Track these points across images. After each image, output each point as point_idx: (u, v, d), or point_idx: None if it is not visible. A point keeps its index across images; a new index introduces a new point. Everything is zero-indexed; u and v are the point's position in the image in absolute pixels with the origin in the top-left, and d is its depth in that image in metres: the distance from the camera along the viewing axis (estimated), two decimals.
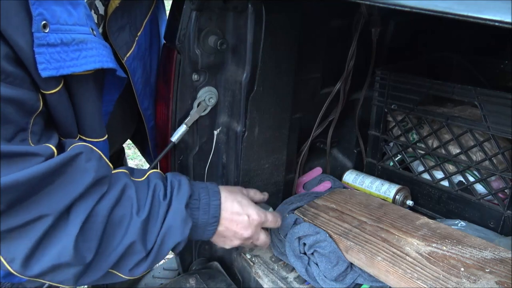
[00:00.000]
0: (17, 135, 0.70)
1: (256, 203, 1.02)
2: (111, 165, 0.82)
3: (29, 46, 0.68)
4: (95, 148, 0.79)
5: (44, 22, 0.68)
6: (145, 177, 0.88)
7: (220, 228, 0.93)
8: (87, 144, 0.78)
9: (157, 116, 1.14)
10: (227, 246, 0.98)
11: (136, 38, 0.98)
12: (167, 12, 1.09)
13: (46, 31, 0.69)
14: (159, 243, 0.83)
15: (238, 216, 0.94)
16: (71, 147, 0.76)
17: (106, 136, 0.92)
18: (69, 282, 0.74)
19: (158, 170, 0.92)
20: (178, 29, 1.01)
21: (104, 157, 0.80)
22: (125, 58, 0.96)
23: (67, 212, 0.72)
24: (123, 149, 1.49)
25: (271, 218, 1.00)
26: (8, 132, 0.68)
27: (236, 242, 0.97)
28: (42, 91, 0.73)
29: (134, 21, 0.97)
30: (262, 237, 1.00)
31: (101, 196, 0.76)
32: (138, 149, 1.47)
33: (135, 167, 3.28)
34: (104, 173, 0.78)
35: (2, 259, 0.69)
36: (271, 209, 1.07)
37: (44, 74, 0.69)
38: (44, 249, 0.70)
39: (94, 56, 0.78)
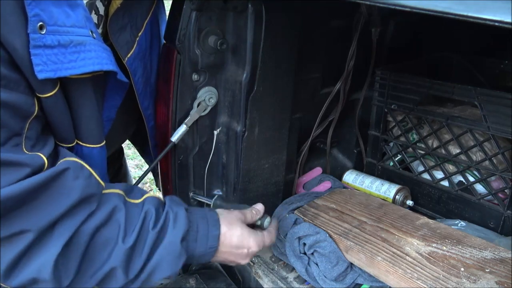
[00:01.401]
0: (11, 140, 0.68)
1: None
2: (102, 183, 0.79)
3: (25, 48, 0.66)
4: (85, 165, 0.76)
5: (40, 23, 0.67)
6: (141, 200, 0.85)
7: (217, 258, 0.91)
8: (77, 160, 0.76)
9: (157, 116, 1.14)
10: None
11: (137, 39, 0.98)
12: (167, 13, 1.09)
13: (43, 32, 0.68)
14: (147, 274, 0.80)
15: (237, 249, 0.91)
16: (60, 161, 0.74)
17: (104, 142, 0.90)
18: None
19: (156, 196, 0.88)
20: (178, 29, 1.01)
21: (95, 175, 0.78)
22: (126, 59, 0.96)
23: (52, 229, 0.70)
24: (122, 149, 1.49)
25: (268, 241, 0.97)
26: (1, 136, 0.67)
27: (232, 264, 0.95)
28: (38, 95, 0.72)
29: (135, 21, 0.97)
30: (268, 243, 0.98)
31: (88, 215, 0.74)
32: (137, 149, 1.47)
33: (135, 167, 3.25)
34: (92, 191, 0.75)
35: None
36: (268, 218, 1.02)
37: (40, 76, 0.68)
38: (25, 262, 0.69)
39: (93, 58, 0.77)
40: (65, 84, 0.77)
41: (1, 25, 0.64)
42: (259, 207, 1.00)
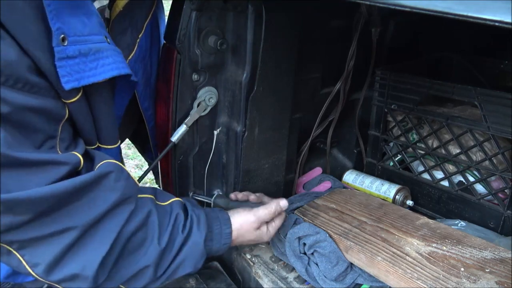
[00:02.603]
0: (46, 143, 0.71)
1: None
2: (137, 183, 0.85)
3: (49, 59, 0.68)
4: (124, 167, 0.81)
5: (62, 35, 0.69)
6: (168, 202, 0.91)
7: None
8: (118, 162, 0.80)
9: (157, 116, 1.14)
10: None
11: (137, 41, 0.99)
12: (167, 13, 1.09)
13: (65, 44, 0.70)
14: (171, 272, 0.86)
15: (246, 244, 1.05)
16: (101, 163, 0.77)
17: (119, 142, 0.93)
18: None
19: (180, 199, 0.94)
20: (178, 29, 1.01)
21: (132, 176, 0.82)
22: (127, 61, 0.96)
23: (96, 227, 0.74)
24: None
25: (277, 226, 1.06)
26: (36, 140, 0.69)
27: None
28: (63, 100, 0.74)
29: (136, 24, 0.98)
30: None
31: (129, 214, 0.78)
32: (137, 148, 1.47)
33: (135, 167, 3.25)
34: (131, 192, 0.80)
35: (24, 263, 0.71)
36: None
37: (67, 87, 0.70)
38: (68, 259, 0.72)
39: (111, 64, 0.79)
40: (86, 89, 0.79)
41: (26, 38, 0.65)
42: (283, 203, 1.03)
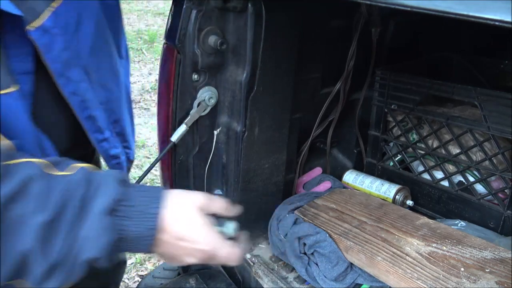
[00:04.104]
0: None
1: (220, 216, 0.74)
2: (11, 145, 0.65)
3: None
4: None
5: None
6: (71, 172, 0.66)
7: (157, 248, 0.70)
8: None
9: (157, 116, 1.14)
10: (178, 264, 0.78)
11: (52, 9, 0.75)
12: (167, 13, 1.09)
13: None
14: (74, 256, 0.62)
15: (180, 241, 0.69)
16: None
17: (19, 87, 0.72)
18: None
19: (92, 165, 0.70)
20: (178, 28, 1.01)
21: None
22: (32, 28, 0.73)
23: None
24: (94, 150, 1.08)
25: (224, 254, 0.71)
26: None
27: (184, 263, 0.73)
28: None
29: None
30: (224, 255, 0.73)
31: None
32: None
33: (135, 167, 3.24)
34: None
35: None
36: (232, 224, 0.74)
37: None
38: None
39: None
40: None
41: None
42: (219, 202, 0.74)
